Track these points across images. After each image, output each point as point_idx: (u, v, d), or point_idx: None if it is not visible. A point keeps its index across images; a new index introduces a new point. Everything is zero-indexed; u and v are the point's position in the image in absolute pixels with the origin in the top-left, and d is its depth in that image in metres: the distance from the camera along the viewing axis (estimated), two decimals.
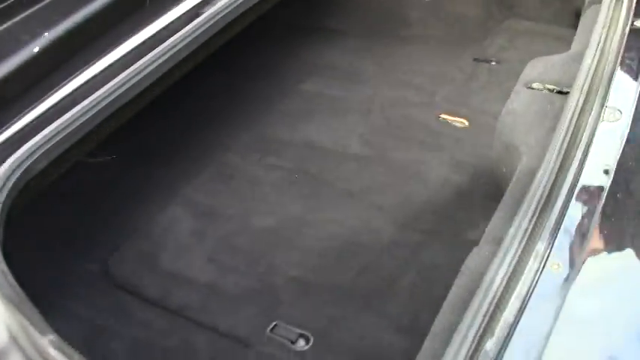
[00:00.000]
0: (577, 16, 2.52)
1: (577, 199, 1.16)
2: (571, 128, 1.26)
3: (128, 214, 2.09)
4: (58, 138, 1.45)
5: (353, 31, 2.92)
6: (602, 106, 1.30)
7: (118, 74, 1.62)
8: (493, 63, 2.62)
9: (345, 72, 2.67)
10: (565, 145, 1.23)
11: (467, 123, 2.30)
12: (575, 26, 1.90)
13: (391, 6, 2.96)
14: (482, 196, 2.02)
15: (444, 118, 2.34)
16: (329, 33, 2.92)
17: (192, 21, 1.82)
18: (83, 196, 2.17)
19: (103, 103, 1.55)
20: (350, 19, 2.98)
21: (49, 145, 1.43)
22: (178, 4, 1.87)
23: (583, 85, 1.36)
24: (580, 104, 1.31)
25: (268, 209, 2.06)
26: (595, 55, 1.46)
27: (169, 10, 1.85)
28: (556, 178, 1.19)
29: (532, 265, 1.06)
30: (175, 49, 1.73)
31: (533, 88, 1.52)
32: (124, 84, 1.61)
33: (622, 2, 1.60)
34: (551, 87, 1.51)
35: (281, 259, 1.90)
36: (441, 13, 2.85)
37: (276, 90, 2.60)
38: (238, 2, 1.95)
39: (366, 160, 2.20)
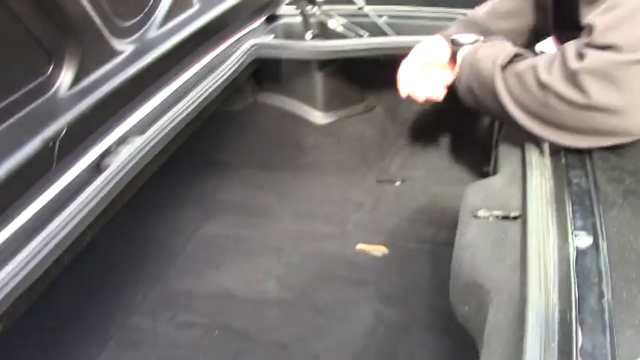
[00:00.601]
0: None
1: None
2: (542, 259, 1.19)
3: None
4: None
5: (246, 163, 2.81)
6: (566, 230, 1.24)
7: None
8: (398, 183, 2.59)
9: (246, 207, 2.55)
10: (543, 280, 1.15)
11: (386, 250, 2.22)
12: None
13: (283, 132, 2.90)
14: (420, 329, 1.92)
15: (360, 249, 2.25)
16: (221, 167, 2.80)
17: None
18: None
19: None
20: (240, 150, 2.88)
21: None
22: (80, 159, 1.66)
23: (538, 209, 1.31)
24: (541, 230, 1.25)
25: None
26: (534, 174, 1.43)
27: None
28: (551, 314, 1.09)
29: None
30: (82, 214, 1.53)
31: (479, 217, 1.45)
32: None
33: None
34: (497, 213, 1.44)
35: None
36: (336, 136, 2.82)
37: (178, 236, 2.41)
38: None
39: (289, 306, 2.05)
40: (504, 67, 1.39)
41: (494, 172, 1.98)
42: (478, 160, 2.63)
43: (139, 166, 1.66)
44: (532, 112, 1.33)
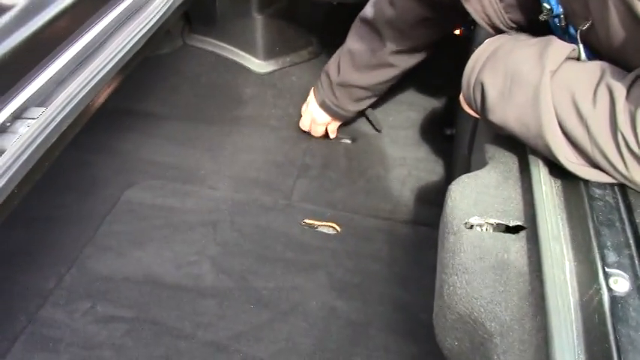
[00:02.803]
0: None
1: None
2: (562, 302, 0.95)
3: None
4: None
5: (174, 115, 2.47)
6: (592, 262, 0.99)
7: None
8: (347, 141, 2.31)
9: (176, 170, 2.22)
10: (564, 325, 0.91)
11: (338, 228, 1.96)
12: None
13: (217, 81, 2.56)
14: (380, 328, 1.69)
15: (308, 224, 1.98)
16: (145, 119, 2.44)
17: None
18: None
19: None
20: (167, 99, 2.53)
21: None
22: None
23: (546, 222, 1.06)
24: (557, 256, 1.01)
25: None
26: (542, 173, 1.18)
27: None
28: None
29: None
30: None
31: (472, 226, 1.19)
32: None
33: None
34: (493, 222, 1.19)
35: None
36: (277, 87, 2.50)
37: (96, 205, 2.08)
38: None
39: (226, 295, 1.78)
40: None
41: (470, 151, 1.72)
42: (439, 119, 2.37)
43: (44, 146, 1.33)
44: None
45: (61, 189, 2.12)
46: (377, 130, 2.31)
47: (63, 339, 1.68)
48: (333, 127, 2.29)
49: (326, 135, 2.30)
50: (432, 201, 2.05)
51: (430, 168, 2.21)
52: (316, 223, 1.97)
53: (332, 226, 1.95)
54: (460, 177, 1.32)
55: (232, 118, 2.45)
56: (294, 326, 1.69)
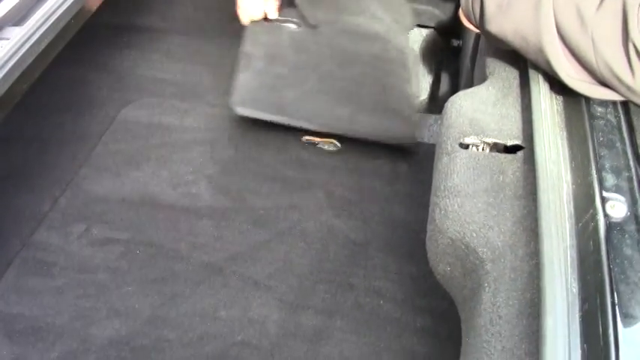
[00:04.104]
0: None
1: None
2: (557, 225, 0.88)
3: None
4: None
5: (174, 30, 2.37)
6: (589, 185, 0.92)
7: None
8: (292, 26, 2.17)
9: (174, 87, 2.15)
10: (562, 256, 0.85)
11: (339, 144, 1.89)
12: None
13: None
14: (379, 248, 1.64)
15: (308, 140, 1.91)
16: (144, 35, 2.35)
17: None
18: None
19: None
20: (167, 13, 2.43)
21: None
22: None
23: (544, 141, 0.98)
24: (555, 179, 0.93)
25: (111, 310, 1.55)
26: (542, 89, 1.09)
27: None
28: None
29: None
30: None
31: (467, 146, 1.11)
32: None
33: None
34: (490, 141, 1.11)
35: None
36: None
37: (92, 124, 2.02)
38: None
39: (223, 216, 1.73)
40: None
41: (473, 65, 1.62)
42: (446, 29, 2.25)
43: (19, 67, 1.26)
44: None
45: (56, 108, 2.06)
46: (310, 26, 1.99)
47: (57, 263, 1.66)
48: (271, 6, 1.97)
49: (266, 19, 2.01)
50: (436, 114, 1.97)
51: (436, 80, 2.11)
52: (316, 139, 1.90)
53: (333, 142, 1.88)
54: (457, 94, 1.24)
55: (232, 32, 2.34)
56: (291, 246, 1.65)
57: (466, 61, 1.79)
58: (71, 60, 2.18)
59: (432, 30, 2.24)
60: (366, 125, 1.82)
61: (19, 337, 1.50)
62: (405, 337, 1.48)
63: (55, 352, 1.47)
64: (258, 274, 1.60)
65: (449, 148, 1.12)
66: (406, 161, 1.83)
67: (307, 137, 1.90)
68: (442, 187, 1.08)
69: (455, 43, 2.09)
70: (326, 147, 1.88)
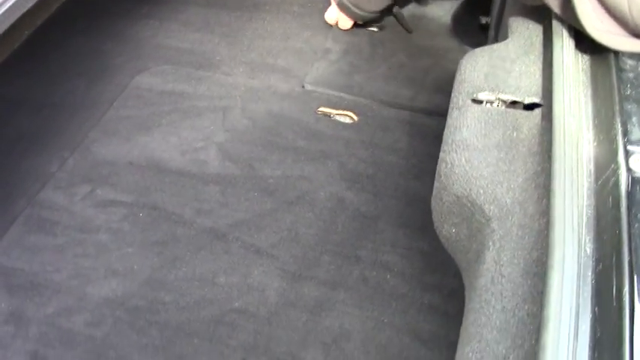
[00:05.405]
0: None
1: None
2: (574, 182, 0.81)
3: None
4: None
5: (197, 0, 2.33)
6: (613, 140, 0.85)
7: None
8: (374, 29, 2.14)
9: (190, 56, 2.10)
10: (575, 214, 0.78)
11: (355, 117, 1.82)
12: None
13: None
14: (389, 222, 1.57)
15: (323, 112, 1.85)
16: (162, 5, 2.31)
17: None
18: None
19: None
20: None
21: None
22: None
23: (568, 98, 0.91)
24: (574, 133, 0.86)
25: (109, 270, 1.51)
26: (565, 44, 1.02)
27: None
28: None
29: None
30: None
31: (481, 101, 1.04)
32: None
33: None
34: (506, 98, 1.04)
35: (134, 345, 1.37)
36: None
37: (104, 90, 1.98)
38: None
39: (230, 182, 1.68)
40: None
41: (497, 31, 1.55)
42: (474, 7, 2.17)
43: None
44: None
45: (70, 75, 2.03)
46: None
47: (60, 222, 1.62)
48: (343, 21, 2.13)
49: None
50: None
51: (459, 58, 2.03)
52: (332, 111, 1.84)
53: (348, 115, 1.82)
54: (473, 50, 1.17)
55: (254, 4, 2.30)
56: (298, 216, 1.59)
57: (491, 33, 1.71)
58: (89, 29, 2.17)
59: (461, 5, 2.17)
60: (425, 103, 1.86)
61: (17, 291, 1.47)
62: (411, 313, 1.40)
63: (51, 307, 1.44)
64: (262, 242, 1.54)
65: (460, 102, 1.05)
66: (424, 138, 1.76)
67: (322, 109, 1.83)
68: (450, 141, 1.01)
69: (483, 20, 2.01)
70: (341, 119, 1.82)
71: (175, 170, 1.71)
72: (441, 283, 1.44)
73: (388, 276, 1.47)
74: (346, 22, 2.09)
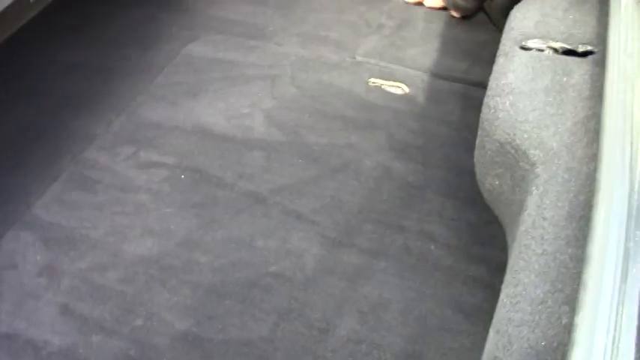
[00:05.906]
0: None
1: None
2: (627, 125, 0.73)
3: None
4: None
5: None
6: None
7: None
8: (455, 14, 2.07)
9: (243, 27, 2.07)
10: (626, 159, 0.70)
11: (406, 89, 1.75)
12: None
13: None
14: (437, 193, 1.50)
15: (374, 83, 1.79)
16: None
17: None
18: None
19: None
20: None
21: None
22: None
23: (624, 46, 0.83)
24: (628, 78, 0.78)
25: (146, 229, 1.48)
26: None
27: None
28: None
29: None
30: None
31: (530, 49, 0.97)
32: None
33: None
34: (557, 46, 0.96)
35: (165, 303, 1.33)
36: None
37: (156, 56, 1.97)
38: None
39: (275, 148, 1.64)
40: None
41: None
42: None
43: None
44: None
45: (124, 43, 2.04)
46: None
47: (102, 180, 1.61)
48: None
49: None
50: None
51: None
52: (384, 82, 1.77)
53: (400, 87, 1.75)
54: (525, 1, 1.09)
55: None
56: (342, 184, 1.53)
57: None
58: (145, 1, 2.17)
59: None
60: (480, 75, 1.75)
61: (53, 245, 1.46)
62: (455, 285, 1.33)
63: (85, 262, 1.42)
64: (303, 207, 1.48)
65: (506, 49, 0.98)
66: (478, 111, 1.68)
67: (373, 80, 1.77)
68: (494, 86, 0.94)
69: None
70: (392, 90, 1.75)
71: (220, 135, 1.68)
72: (488, 256, 1.36)
73: (432, 247, 1.39)
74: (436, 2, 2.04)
